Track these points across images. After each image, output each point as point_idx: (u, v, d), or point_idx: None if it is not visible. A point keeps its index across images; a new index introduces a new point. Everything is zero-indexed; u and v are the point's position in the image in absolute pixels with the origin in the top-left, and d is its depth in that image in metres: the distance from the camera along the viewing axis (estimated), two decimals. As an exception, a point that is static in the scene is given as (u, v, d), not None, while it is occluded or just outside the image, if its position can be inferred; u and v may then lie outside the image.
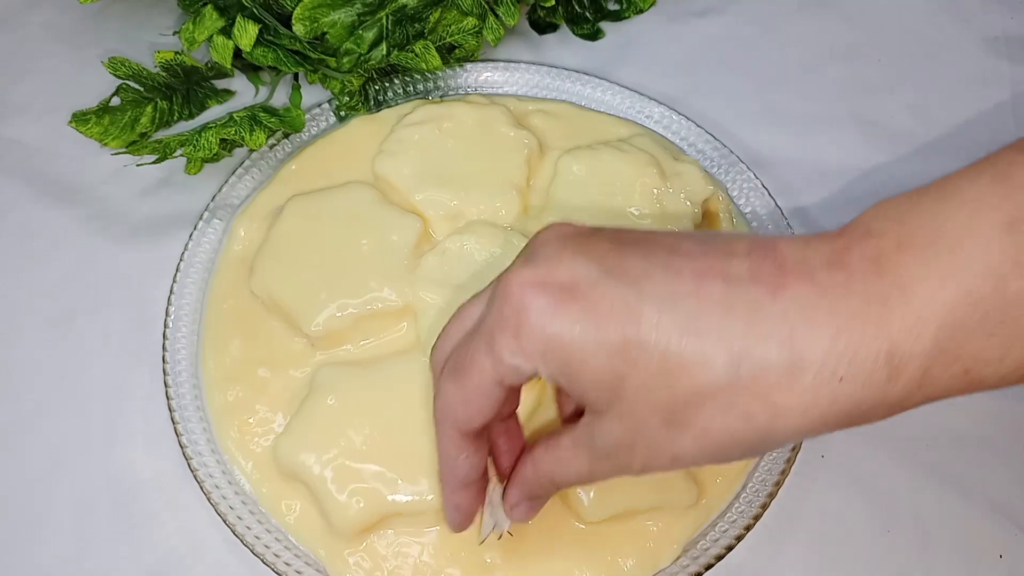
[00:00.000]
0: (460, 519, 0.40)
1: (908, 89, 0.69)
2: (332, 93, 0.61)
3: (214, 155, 0.57)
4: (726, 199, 0.58)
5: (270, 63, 0.58)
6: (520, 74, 0.63)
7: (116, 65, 0.56)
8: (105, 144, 0.57)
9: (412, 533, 0.46)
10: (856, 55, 0.71)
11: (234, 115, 0.56)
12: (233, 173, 0.57)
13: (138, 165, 0.57)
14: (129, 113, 0.57)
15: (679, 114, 0.61)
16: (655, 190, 0.54)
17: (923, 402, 0.30)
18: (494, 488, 0.41)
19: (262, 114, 0.57)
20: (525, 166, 0.56)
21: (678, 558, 0.46)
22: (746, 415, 0.29)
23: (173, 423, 0.48)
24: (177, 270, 0.53)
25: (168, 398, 0.49)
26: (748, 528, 0.46)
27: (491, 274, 0.50)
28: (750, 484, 0.48)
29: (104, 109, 0.56)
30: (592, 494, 0.45)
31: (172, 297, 0.52)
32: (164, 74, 0.58)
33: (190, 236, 0.55)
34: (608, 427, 0.32)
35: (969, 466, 0.52)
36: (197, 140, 0.55)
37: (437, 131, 0.57)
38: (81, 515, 0.49)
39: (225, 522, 0.46)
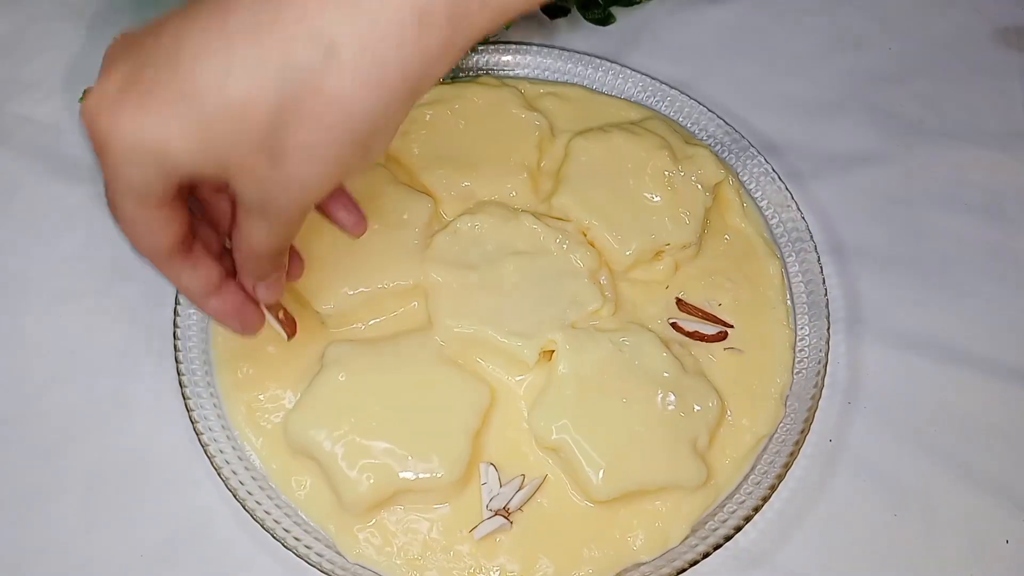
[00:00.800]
0: (237, 321, 0.41)
1: (918, 78, 0.69)
2: None
3: None
4: (736, 184, 0.58)
5: None
6: (532, 57, 0.63)
7: None
8: None
9: (422, 509, 0.46)
10: (867, 45, 0.71)
11: None
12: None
13: None
14: None
15: (690, 98, 0.61)
16: (667, 172, 0.54)
17: (466, 45, 0.31)
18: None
19: None
20: (536, 148, 0.57)
21: (687, 538, 0.46)
22: (317, 116, 0.30)
23: (184, 399, 0.48)
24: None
25: (179, 373, 0.49)
26: (756, 509, 0.46)
27: (502, 254, 0.50)
28: (759, 466, 0.48)
29: None
30: (602, 473, 0.45)
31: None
32: None
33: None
34: (241, 191, 0.33)
35: (976, 452, 0.53)
36: None
37: (448, 112, 0.57)
38: (90, 489, 0.49)
39: (235, 497, 0.46)
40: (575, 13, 0.68)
